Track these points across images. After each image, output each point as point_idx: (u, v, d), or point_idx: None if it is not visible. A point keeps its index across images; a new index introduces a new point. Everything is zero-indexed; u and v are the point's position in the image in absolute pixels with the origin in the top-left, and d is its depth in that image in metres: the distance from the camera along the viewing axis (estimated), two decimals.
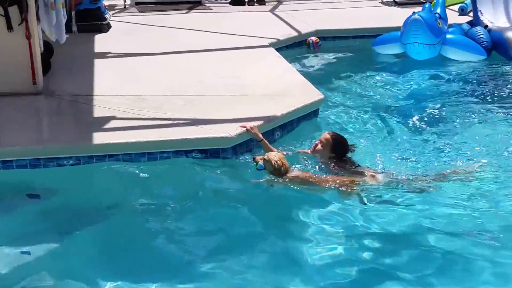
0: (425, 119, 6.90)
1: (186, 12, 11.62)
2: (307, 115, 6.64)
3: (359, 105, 7.38)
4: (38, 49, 6.93)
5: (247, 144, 5.94)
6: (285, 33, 9.81)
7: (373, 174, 5.39)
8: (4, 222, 4.83)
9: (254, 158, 5.49)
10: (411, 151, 6.04)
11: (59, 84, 7.18)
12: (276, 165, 5.33)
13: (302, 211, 5.03)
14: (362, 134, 6.49)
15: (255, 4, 12.20)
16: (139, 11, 11.67)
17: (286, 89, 7.06)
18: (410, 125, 6.77)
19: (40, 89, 6.88)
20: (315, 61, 9.27)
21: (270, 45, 9.08)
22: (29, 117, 6.41)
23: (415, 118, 6.91)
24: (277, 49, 8.93)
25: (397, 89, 7.97)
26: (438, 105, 7.29)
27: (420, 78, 8.40)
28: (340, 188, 5.24)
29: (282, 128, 6.32)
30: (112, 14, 10.99)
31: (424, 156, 5.93)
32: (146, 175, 5.49)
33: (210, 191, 5.38)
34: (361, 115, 6.99)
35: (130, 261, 4.48)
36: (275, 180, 5.33)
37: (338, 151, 5.70)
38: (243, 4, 12.23)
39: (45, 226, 4.85)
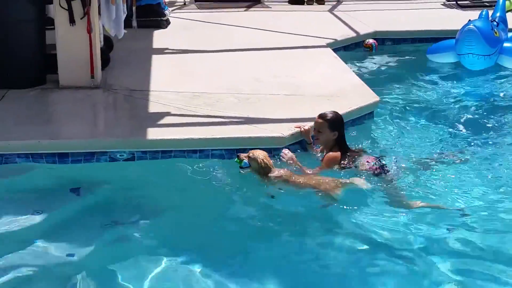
0: (479, 131, 6.61)
1: (245, 10, 11.64)
2: (362, 117, 6.56)
3: (414, 110, 7.21)
4: (98, 43, 7.04)
5: (300, 144, 5.91)
6: (343, 33, 9.72)
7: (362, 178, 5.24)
8: (56, 214, 4.90)
9: (238, 156, 5.32)
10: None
11: (116, 79, 7.28)
12: (262, 164, 5.19)
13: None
14: (414, 140, 6.31)
15: (314, 3, 12.13)
16: (198, 8, 11.75)
17: (342, 90, 7.00)
18: (462, 134, 6.54)
19: (98, 83, 6.99)
20: (372, 63, 9.16)
21: (328, 45, 9.01)
22: (86, 111, 6.52)
23: (467, 128, 6.67)
24: (335, 50, 8.85)
25: (454, 97, 7.73)
26: (495, 117, 7.04)
27: (477, 87, 8.15)
28: (322, 190, 5.10)
29: None
30: (172, 10, 11.10)
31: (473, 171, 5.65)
32: (198, 172, 5.50)
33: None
34: (417, 121, 6.84)
35: (179, 257, 4.48)
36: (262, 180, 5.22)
37: (338, 126, 5.51)
38: (302, 3, 12.17)
39: (95, 219, 4.91)
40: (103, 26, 7.43)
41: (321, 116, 5.57)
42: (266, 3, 12.18)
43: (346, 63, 8.17)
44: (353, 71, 7.97)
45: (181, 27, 10.08)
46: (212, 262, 4.38)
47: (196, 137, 5.68)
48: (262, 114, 6.23)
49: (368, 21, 10.36)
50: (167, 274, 4.27)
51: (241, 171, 5.27)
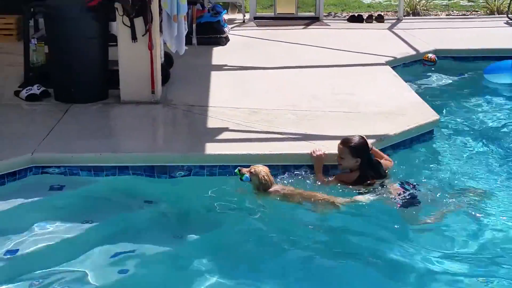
0: None
1: (304, 28, 11.68)
2: (421, 136, 6.48)
3: (470, 133, 7.01)
4: (159, 59, 7.17)
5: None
6: (403, 51, 9.64)
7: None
8: (113, 226, 4.97)
9: (240, 170, 5.31)
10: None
11: (176, 94, 7.39)
12: (263, 180, 5.18)
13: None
14: (474, 163, 6.16)
15: (374, 21, 12.09)
16: (257, 26, 11.85)
17: (401, 108, 6.93)
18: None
19: (158, 99, 7.11)
20: (432, 81, 9.05)
21: (387, 63, 8.95)
22: (146, 125, 6.63)
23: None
24: (394, 67, 8.79)
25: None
26: None
27: None
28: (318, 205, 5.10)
29: (394, 148, 6.20)
30: (231, 28, 11.23)
31: None
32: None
33: None
34: (471, 146, 6.64)
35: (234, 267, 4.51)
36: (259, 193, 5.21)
37: (361, 153, 5.39)
38: (361, 21, 12.15)
39: (156, 230, 4.98)
40: (164, 43, 7.57)
41: (343, 142, 5.45)
42: (325, 21, 12.20)
43: (405, 81, 8.09)
44: (412, 89, 7.88)
45: (240, 44, 10.18)
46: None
47: (253, 153, 5.70)
48: (319, 131, 6.23)
49: (428, 39, 10.25)
50: None
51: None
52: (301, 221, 5.10)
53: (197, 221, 5.13)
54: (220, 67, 8.75)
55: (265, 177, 5.22)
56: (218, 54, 9.47)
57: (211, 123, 6.51)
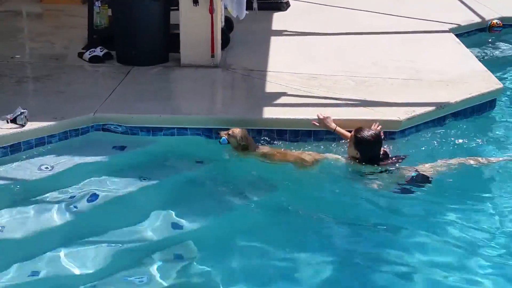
0: None
1: None
2: (483, 105, 6.35)
3: None
4: (219, 24, 7.20)
5: (416, 128, 5.81)
6: (467, 18, 9.39)
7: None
8: (171, 185, 5.08)
9: (218, 133, 5.43)
10: None
11: (235, 59, 7.42)
12: (240, 141, 5.31)
13: None
14: None
15: None
16: None
17: (463, 76, 6.80)
18: None
19: (218, 63, 7.15)
20: (496, 50, 8.82)
21: (450, 30, 8.75)
22: (205, 89, 6.69)
23: None
24: (457, 35, 8.58)
25: None
26: None
27: None
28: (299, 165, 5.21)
29: (454, 116, 6.10)
30: None
31: None
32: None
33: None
34: None
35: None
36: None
37: (362, 150, 5.13)
38: None
39: (204, 192, 5.06)
40: (225, 7, 7.58)
41: (356, 129, 5.25)
42: None
43: (469, 49, 7.91)
44: (476, 57, 7.70)
45: (301, 10, 10.09)
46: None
47: (311, 118, 5.70)
48: (378, 97, 6.18)
49: (494, 6, 9.96)
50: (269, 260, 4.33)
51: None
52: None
53: (248, 184, 5.16)
54: (280, 33, 8.72)
55: (243, 137, 5.36)
56: (278, 20, 9.42)
57: (270, 87, 6.52)
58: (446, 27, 8.86)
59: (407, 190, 5.00)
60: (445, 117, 6.00)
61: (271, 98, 6.20)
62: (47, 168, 5.16)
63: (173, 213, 4.68)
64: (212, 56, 7.07)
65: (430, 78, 6.77)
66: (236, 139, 5.35)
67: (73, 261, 4.13)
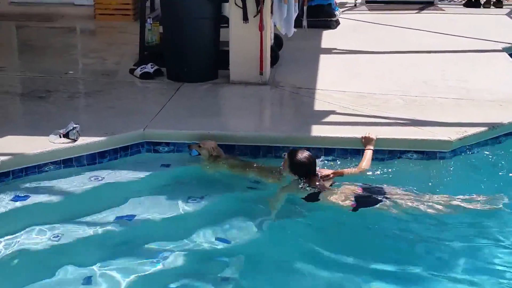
0: None
1: (417, 12, 11.42)
2: None
3: None
4: (268, 41, 7.22)
5: (470, 149, 5.71)
6: None
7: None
8: (219, 202, 5.07)
9: (189, 146, 5.56)
10: None
11: (284, 76, 7.43)
12: (212, 152, 5.46)
13: None
14: None
15: (491, 6, 11.64)
16: (369, 10, 11.69)
17: None
18: None
19: (267, 80, 7.18)
20: None
21: (504, 49, 8.61)
22: (254, 106, 6.71)
23: None
24: (511, 54, 8.44)
25: None
26: None
27: None
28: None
29: (508, 137, 5.97)
30: (342, 11, 11.13)
31: None
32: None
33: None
34: None
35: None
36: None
37: (298, 171, 4.98)
38: (478, 6, 11.73)
39: (254, 210, 4.98)
40: (274, 25, 7.61)
41: (289, 152, 5.08)
42: (439, 6, 11.87)
43: None
44: None
45: (351, 28, 10.08)
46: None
47: (359, 136, 5.65)
48: (429, 116, 6.10)
49: None
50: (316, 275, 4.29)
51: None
52: None
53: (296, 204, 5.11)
54: (329, 50, 8.71)
55: (214, 149, 5.48)
56: (328, 37, 9.42)
57: (318, 105, 6.50)
58: (499, 46, 8.74)
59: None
60: (498, 138, 5.88)
61: (319, 116, 6.18)
62: (97, 181, 5.23)
63: (220, 230, 4.67)
64: (261, 73, 7.09)
65: (482, 97, 6.66)
66: (208, 151, 5.47)
67: (122, 274, 4.14)
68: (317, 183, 5.00)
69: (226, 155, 5.56)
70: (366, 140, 5.57)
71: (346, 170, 5.31)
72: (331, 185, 5.06)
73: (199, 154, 5.52)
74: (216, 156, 5.50)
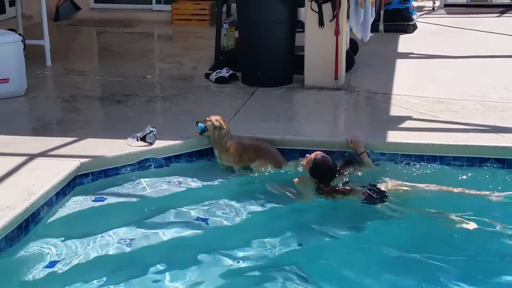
0: None
1: (498, 16, 11.13)
2: None
3: None
4: (344, 45, 7.18)
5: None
6: None
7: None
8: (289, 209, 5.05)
9: (197, 123, 5.58)
10: None
11: (359, 81, 7.37)
12: (216, 123, 5.48)
13: None
14: None
15: None
16: (448, 13, 11.46)
17: None
18: None
19: (342, 85, 7.12)
20: None
21: None
22: (328, 111, 6.67)
23: None
24: None
25: None
26: None
27: None
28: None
29: None
30: (420, 15, 10.94)
31: None
32: (437, 178, 5.34)
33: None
34: None
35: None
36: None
37: (316, 174, 5.08)
38: None
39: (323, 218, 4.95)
40: (350, 29, 7.55)
41: (315, 154, 5.12)
42: None
43: None
44: None
45: (428, 32, 9.91)
46: None
47: (436, 143, 5.54)
48: (509, 123, 5.92)
49: None
50: None
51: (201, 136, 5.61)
52: None
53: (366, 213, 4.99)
54: (406, 55, 8.58)
55: (218, 120, 5.52)
56: (405, 42, 9.28)
57: (394, 111, 6.41)
58: None
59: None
60: None
61: (395, 122, 6.09)
62: (174, 184, 5.29)
63: (295, 237, 4.65)
64: (336, 78, 7.05)
65: None
66: (212, 122, 5.50)
67: (200, 277, 4.14)
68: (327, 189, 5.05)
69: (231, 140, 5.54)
70: (355, 144, 5.49)
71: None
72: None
73: (206, 128, 5.55)
74: (220, 127, 5.50)
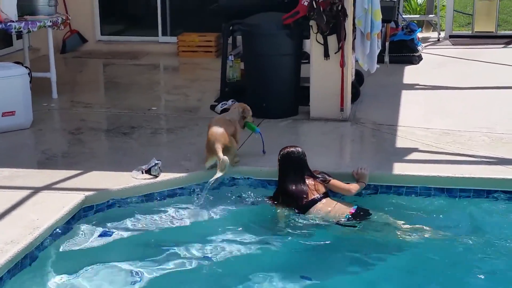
0: None
1: (503, 47, 11.13)
2: None
3: None
4: (349, 77, 7.18)
5: None
6: None
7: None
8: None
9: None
10: None
11: (365, 112, 7.36)
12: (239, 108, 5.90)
13: None
14: None
15: None
16: (453, 44, 11.48)
17: None
18: None
19: (347, 116, 7.11)
20: None
21: None
22: (334, 142, 6.66)
23: None
24: None
25: None
26: None
27: None
28: None
29: None
30: (425, 46, 10.97)
31: None
32: (441, 211, 5.30)
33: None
34: None
35: None
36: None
37: (282, 164, 5.38)
38: None
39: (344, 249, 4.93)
40: (355, 61, 7.57)
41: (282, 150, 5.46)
42: None
43: None
44: None
45: (434, 63, 9.92)
46: None
47: (443, 175, 5.50)
48: None
49: None
50: None
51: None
52: None
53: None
54: (411, 86, 8.58)
55: (240, 106, 5.96)
56: (410, 73, 9.29)
57: (400, 142, 6.38)
58: None
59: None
60: None
61: (401, 154, 6.06)
62: (179, 218, 5.26)
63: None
64: (342, 109, 7.04)
65: None
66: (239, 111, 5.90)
67: None
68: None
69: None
70: (360, 176, 5.48)
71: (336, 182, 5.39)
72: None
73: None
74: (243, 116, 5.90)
